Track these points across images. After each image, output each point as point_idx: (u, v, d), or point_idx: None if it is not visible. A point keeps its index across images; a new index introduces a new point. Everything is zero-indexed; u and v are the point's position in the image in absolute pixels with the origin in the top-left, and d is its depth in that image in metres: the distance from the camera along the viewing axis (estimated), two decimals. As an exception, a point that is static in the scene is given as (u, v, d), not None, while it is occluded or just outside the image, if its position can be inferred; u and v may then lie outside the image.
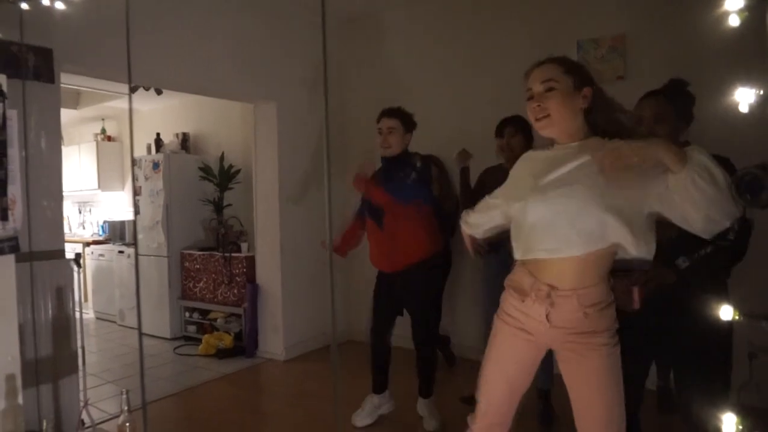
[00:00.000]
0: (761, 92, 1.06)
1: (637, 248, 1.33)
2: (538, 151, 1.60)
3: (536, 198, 1.43)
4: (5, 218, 1.94)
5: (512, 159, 2.68)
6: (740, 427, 1.04)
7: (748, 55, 1.09)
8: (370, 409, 2.88)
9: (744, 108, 1.10)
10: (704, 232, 1.24)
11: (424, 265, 2.72)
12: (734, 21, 1.09)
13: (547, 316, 1.44)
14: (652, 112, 1.84)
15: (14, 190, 1.98)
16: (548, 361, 2.71)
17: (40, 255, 2.50)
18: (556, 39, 3.57)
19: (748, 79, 1.09)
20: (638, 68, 3.26)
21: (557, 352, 1.52)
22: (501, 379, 1.58)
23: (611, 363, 1.43)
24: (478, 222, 1.81)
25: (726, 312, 1.20)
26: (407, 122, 2.76)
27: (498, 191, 1.72)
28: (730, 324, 1.55)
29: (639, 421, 1.98)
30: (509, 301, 1.56)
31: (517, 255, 1.52)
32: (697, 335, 1.73)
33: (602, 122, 1.46)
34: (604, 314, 1.44)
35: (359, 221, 2.92)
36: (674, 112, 1.83)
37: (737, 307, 1.20)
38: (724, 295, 1.79)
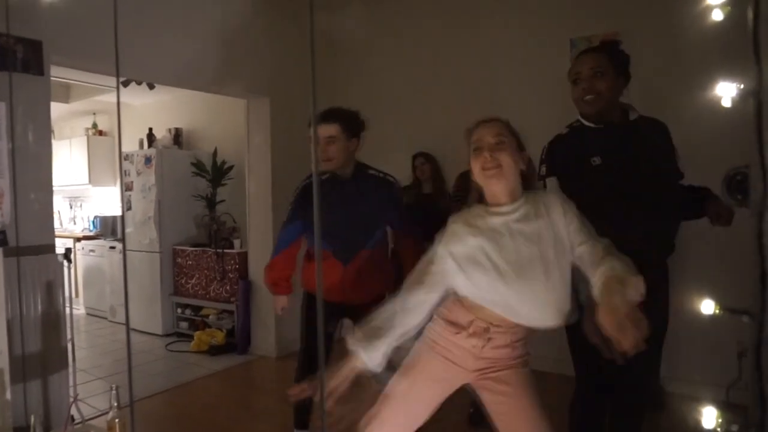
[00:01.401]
0: (742, 86, 1.06)
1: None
2: (477, 216, 1.50)
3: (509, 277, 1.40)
4: (-7, 212, 1.92)
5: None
6: (719, 420, 1.06)
7: (734, 50, 1.09)
8: None
9: (726, 102, 1.11)
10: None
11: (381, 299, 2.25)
12: (718, 16, 1.10)
13: (482, 348, 1.50)
14: (590, 67, 1.81)
15: (2, 184, 1.96)
16: None
17: (29, 250, 2.48)
18: (548, 37, 3.58)
19: (735, 73, 1.10)
20: (631, 66, 3.26)
21: (476, 384, 1.56)
22: (414, 398, 1.55)
23: (526, 376, 1.53)
24: (388, 337, 1.45)
25: (707, 306, 1.21)
26: (352, 126, 2.22)
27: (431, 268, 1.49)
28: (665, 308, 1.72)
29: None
30: (439, 332, 1.56)
31: (465, 294, 1.49)
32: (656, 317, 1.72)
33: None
34: (523, 345, 1.55)
35: (295, 249, 2.43)
36: (613, 68, 1.81)
37: (718, 301, 1.22)
38: (664, 278, 1.85)
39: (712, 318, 1.24)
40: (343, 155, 2.19)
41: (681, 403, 2.51)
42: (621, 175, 1.78)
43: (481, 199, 1.54)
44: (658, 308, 1.58)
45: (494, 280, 1.40)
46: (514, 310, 1.43)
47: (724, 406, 1.06)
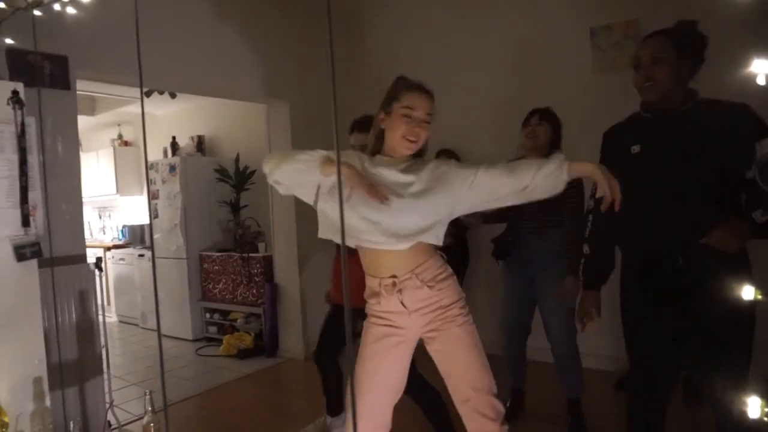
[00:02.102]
0: None
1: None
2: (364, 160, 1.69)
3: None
4: (27, 224, 1.98)
5: (536, 148, 2.65)
6: (766, 409, 1.02)
7: (762, 33, 1.06)
8: (315, 428, 2.80)
9: (761, 80, 1.07)
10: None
11: None
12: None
13: (401, 302, 1.61)
14: (649, 53, 1.75)
15: (35, 197, 2.01)
16: (574, 367, 2.61)
17: (62, 260, 2.54)
18: (569, 26, 3.53)
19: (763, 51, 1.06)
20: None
21: (424, 338, 1.66)
22: (378, 381, 1.65)
23: (468, 331, 1.63)
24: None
25: (747, 291, 1.16)
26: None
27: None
28: (752, 304, 1.45)
29: (665, 412, 1.89)
30: (371, 311, 1.69)
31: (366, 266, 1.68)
32: (716, 314, 1.62)
33: None
34: (447, 285, 1.64)
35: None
36: (676, 53, 1.72)
37: (760, 286, 1.16)
38: (746, 273, 1.68)
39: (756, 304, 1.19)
40: None
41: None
42: (657, 164, 1.72)
43: (376, 150, 1.72)
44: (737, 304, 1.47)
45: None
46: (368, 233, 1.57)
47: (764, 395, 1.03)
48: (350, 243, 1.62)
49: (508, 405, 2.81)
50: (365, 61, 4.53)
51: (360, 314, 2.34)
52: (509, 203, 1.60)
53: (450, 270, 1.68)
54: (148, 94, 4.75)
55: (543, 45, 3.65)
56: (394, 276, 1.61)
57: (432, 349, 1.67)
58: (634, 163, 1.78)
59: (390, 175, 1.61)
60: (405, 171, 1.62)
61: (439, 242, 1.63)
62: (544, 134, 2.67)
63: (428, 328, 1.64)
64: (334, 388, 2.76)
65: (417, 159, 1.70)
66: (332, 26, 0.77)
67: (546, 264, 2.62)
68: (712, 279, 1.57)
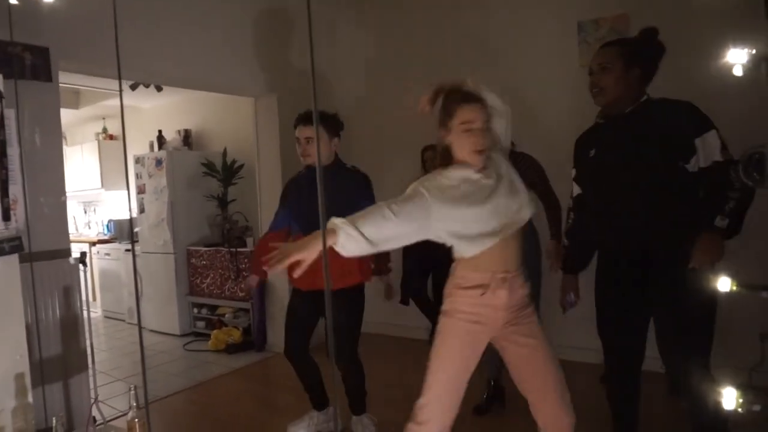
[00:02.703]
0: (754, 51, 1.04)
1: None
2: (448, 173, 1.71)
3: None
4: (7, 218, 1.94)
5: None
6: (740, 400, 1.05)
7: (746, 20, 1.06)
8: (306, 424, 2.75)
9: (738, 71, 1.09)
10: None
11: (358, 288, 2.54)
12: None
13: (507, 297, 1.64)
14: (597, 62, 1.92)
15: (15, 191, 1.98)
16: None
17: (45, 255, 2.51)
18: (556, 20, 3.53)
19: (747, 43, 1.07)
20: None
21: (503, 334, 1.69)
22: (454, 374, 1.68)
23: (537, 325, 1.71)
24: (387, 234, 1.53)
25: (724, 283, 1.19)
26: (330, 127, 2.50)
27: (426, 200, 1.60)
28: (712, 292, 1.59)
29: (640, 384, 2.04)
30: (463, 300, 1.68)
31: (468, 252, 1.65)
32: (676, 298, 1.79)
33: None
34: (527, 285, 1.72)
35: (284, 233, 2.62)
36: (623, 63, 1.86)
37: (735, 279, 1.19)
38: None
39: (729, 296, 1.22)
40: (325, 154, 2.50)
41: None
42: (609, 164, 1.91)
43: (446, 164, 1.71)
44: (699, 290, 1.62)
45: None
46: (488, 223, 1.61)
47: (746, 388, 1.04)
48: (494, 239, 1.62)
49: (485, 397, 2.87)
50: (353, 53, 4.51)
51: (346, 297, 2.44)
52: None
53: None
54: (134, 87, 4.69)
55: (530, 39, 3.66)
56: (507, 271, 1.65)
57: (509, 347, 1.71)
58: (591, 165, 1.99)
59: (474, 174, 1.66)
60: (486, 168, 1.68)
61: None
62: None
63: (508, 328, 1.69)
64: (316, 381, 2.73)
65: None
66: (312, 21, 0.75)
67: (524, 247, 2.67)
68: (671, 264, 1.79)
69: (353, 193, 2.42)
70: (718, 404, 1.09)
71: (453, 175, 1.65)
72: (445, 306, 1.72)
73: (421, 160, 3.76)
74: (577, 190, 2.12)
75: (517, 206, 1.66)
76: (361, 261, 2.47)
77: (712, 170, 1.75)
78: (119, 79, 0.96)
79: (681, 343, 1.82)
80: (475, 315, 1.66)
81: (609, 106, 1.92)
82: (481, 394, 2.87)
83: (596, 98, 1.94)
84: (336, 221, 1.47)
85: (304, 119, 2.49)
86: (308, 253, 1.44)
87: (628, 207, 1.87)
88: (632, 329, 1.96)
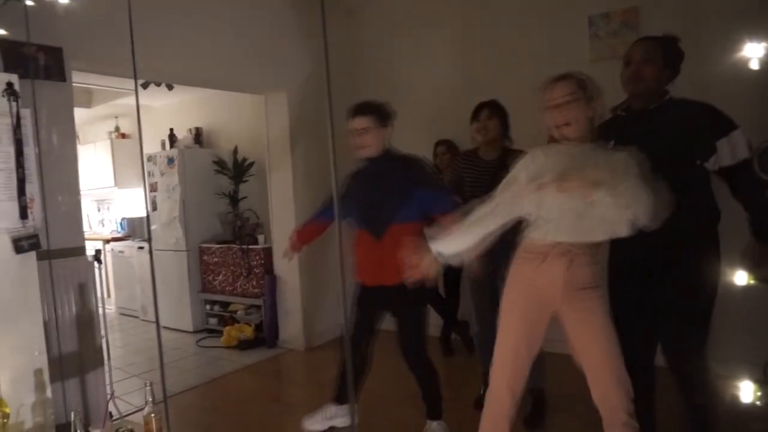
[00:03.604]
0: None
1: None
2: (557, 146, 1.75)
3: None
4: (25, 216, 1.97)
5: (487, 142, 2.71)
6: (758, 393, 1.05)
7: (762, 12, 1.06)
8: (321, 417, 2.71)
9: (755, 65, 1.09)
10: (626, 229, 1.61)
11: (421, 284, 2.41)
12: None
13: (565, 272, 1.68)
14: (641, 53, 1.94)
15: (32, 189, 2.01)
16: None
17: (61, 252, 2.54)
18: (566, 15, 3.51)
19: (762, 37, 1.06)
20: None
21: (565, 309, 1.72)
22: (516, 350, 1.77)
23: (607, 309, 1.72)
24: (465, 241, 1.75)
25: (740, 277, 1.19)
26: (382, 116, 2.45)
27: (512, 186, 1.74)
28: (715, 281, 1.79)
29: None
30: (524, 268, 1.76)
31: (544, 237, 1.71)
32: (683, 288, 1.84)
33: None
34: (600, 270, 1.75)
35: (324, 222, 2.66)
36: (663, 58, 1.92)
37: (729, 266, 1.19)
38: (715, 252, 1.87)
39: (745, 290, 1.22)
40: (377, 143, 2.44)
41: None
42: None
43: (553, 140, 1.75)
44: (702, 280, 1.72)
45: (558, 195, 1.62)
46: (571, 223, 1.65)
47: (762, 382, 1.04)
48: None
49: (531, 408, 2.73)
50: (362, 50, 4.51)
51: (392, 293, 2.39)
52: None
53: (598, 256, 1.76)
54: (145, 85, 4.72)
55: (541, 33, 3.63)
56: (571, 244, 1.67)
57: (571, 322, 1.74)
58: None
59: (579, 150, 1.69)
60: (592, 149, 1.69)
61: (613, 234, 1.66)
62: (494, 128, 2.71)
63: (572, 304, 1.71)
64: (353, 375, 2.60)
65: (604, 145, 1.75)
66: (325, 18, 0.76)
67: (500, 254, 2.58)
68: (684, 258, 1.83)
69: (405, 182, 2.40)
70: (717, 396, 1.10)
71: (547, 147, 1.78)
72: (509, 270, 1.81)
73: (433, 153, 3.77)
74: None
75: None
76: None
77: (743, 167, 1.81)
78: (135, 78, 0.98)
79: (685, 335, 1.87)
80: (533, 281, 1.73)
81: (641, 97, 1.95)
82: (527, 405, 2.69)
83: (634, 86, 1.95)
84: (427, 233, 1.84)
85: (358, 110, 2.44)
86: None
87: None
88: (644, 325, 1.98)
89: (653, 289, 1.92)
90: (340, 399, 2.72)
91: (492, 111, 2.74)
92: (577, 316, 1.72)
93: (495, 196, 1.73)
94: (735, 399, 1.03)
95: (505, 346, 1.79)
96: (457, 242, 1.75)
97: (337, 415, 2.73)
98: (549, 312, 1.77)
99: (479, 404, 2.77)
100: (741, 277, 1.15)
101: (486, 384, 2.79)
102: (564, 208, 1.64)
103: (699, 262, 1.78)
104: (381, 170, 2.46)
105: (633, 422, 1.66)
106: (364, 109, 2.45)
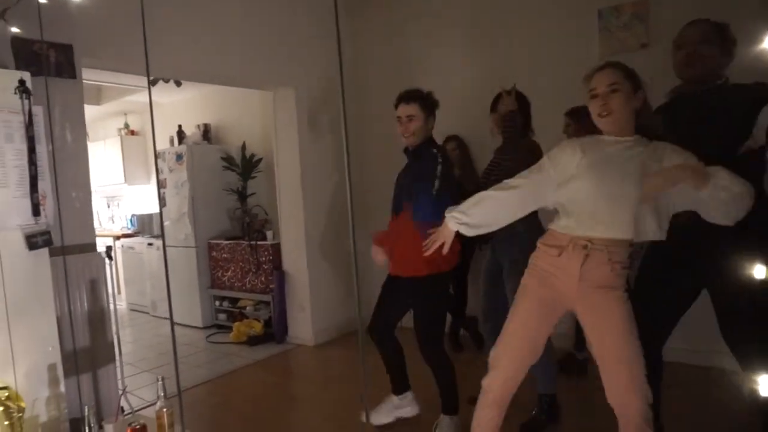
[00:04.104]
0: None
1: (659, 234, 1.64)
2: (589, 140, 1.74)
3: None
4: (38, 213, 1.99)
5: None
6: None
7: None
8: (386, 409, 2.70)
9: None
10: (726, 222, 1.54)
11: (439, 278, 2.46)
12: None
13: (580, 266, 1.65)
14: (698, 33, 1.88)
15: (44, 186, 2.03)
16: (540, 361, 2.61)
17: (73, 249, 2.56)
18: (576, 8, 3.48)
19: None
20: (662, 35, 3.15)
21: (580, 306, 1.71)
22: (523, 331, 1.77)
23: (628, 312, 1.66)
24: (488, 216, 1.78)
25: (759, 271, 1.16)
26: (427, 105, 2.48)
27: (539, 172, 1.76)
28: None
29: (661, 358, 2.06)
30: (543, 258, 1.76)
31: (564, 230, 1.72)
32: (729, 285, 1.75)
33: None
34: (624, 274, 1.68)
35: (394, 219, 2.61)
36: (720, 40, 1.86)
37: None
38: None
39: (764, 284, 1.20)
40: (420, 131, 2.47)
41: (728, 377, 2.44)
42: (678, 138, 1.82)
43: (594, 131, 1.74)
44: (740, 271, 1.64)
45: (589, 186, 1.62)
46: (597, 216, 1.63)
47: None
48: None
49: (534, 413, 2.64)
50: (372, 46, 4.50)
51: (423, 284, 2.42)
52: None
53: (629, 263, 1.71)
54: (154, 82, 4.74)
55: (550, 27, 3.61)
56: (589, 240, 1.65)
57: (588, 319, 1.71)
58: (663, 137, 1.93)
59: (617, 147, 1.66)
60: (631, 146, 1.66)
61: (640, 235, 1.63)
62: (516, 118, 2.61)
63: (589, 301, 1.69)
64: (395, 364, 2.66)
65: (645, 140, 1.70)
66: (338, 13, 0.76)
67: (509, 254, 2.55)
68: (729, 239, 1.72)
69: (419, 175, 2.40)
70: (754, 392, 1.07)
71: (585, 140, 1.76)
72: (530, 259, 1.82)
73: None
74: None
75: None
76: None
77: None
78: (147, 75, 0.98)
79: (746, 316, 1.79)
80: (549, 274, 1.73)
81: (697, 80, 1.90)
82: (531, 411, 2.63)
83: (689, 68, 1.90)
84: (447, 210, 1.84)
85: (406, 98, 2.48)
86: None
87: None
88: (671, 305, 1.97)
89: (693, 276, 1.89)
90: (398, 389, 2.69)
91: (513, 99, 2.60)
92: (593, 317, 1.69)
93: (519, 177, 1.75)
94: (753, 393, 1.01)
95: (512, 330, 1.79)
96: (472, 210, 1.76)
97: (402, 405, 2.71)
98: (562, 307, 1.75)
99: (475, 401, 2.76)
100: (759, 271, 1.13)
101: (540, 407, 2.67)
102: (591, 202, 1.63)
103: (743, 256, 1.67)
104: (411, 161, 2.54)
105: (648, 429, 1.61)
106: (411, 96, 2.48)
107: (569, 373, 3.13)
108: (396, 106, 2.53)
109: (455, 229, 1.79)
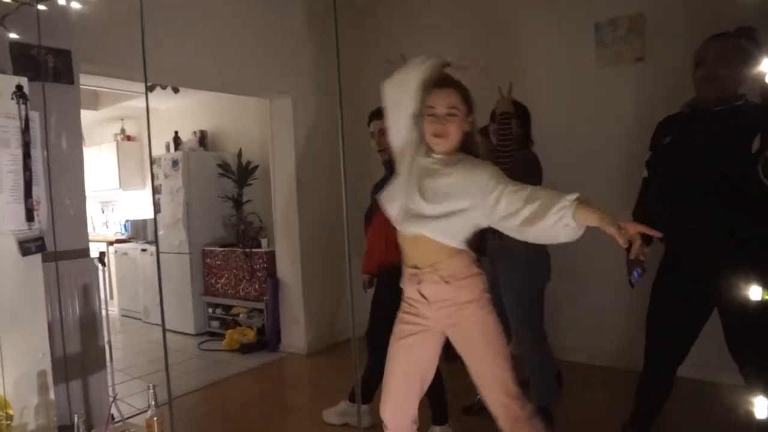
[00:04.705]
0: None
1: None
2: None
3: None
4: (31, 219, 1.98)
5: None
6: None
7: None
8: (336, 412, 2.82)
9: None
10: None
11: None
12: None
13: (420, 292, 1.67)
14: (715, 52, 1.86)
15: (38, 191, 2.02)
16: (537, 371, 2.54)
17: (66, 254, 2.55)
18: (572, 21, 3.51)
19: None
20: (658, 49, 3.18)
21: (446, 331, 1.71)
22: (408, 370, 1.71)
23: (481, 331, 1.65)
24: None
25: (755, 292, 1.17)
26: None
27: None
28: None
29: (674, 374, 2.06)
30: (405, 298, 1.76)
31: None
32: (739, 303, 1.69)
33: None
34: (466, 284, 1.65)
35: None
36: (738, 56, 1.81)
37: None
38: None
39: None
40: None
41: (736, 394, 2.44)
42: (682, 156, 1.88)
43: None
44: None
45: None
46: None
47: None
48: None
49: None
50: (369, 56, 4.52)
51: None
52: (508, 234, 1.55)
53: (475, 269, 1.68)
54: (151, 88, 4.74)
55: (547, 38, 3.64)
56: (415, 266, 1.68)
57: (454, 342, 1.71)
58: (664, 153, 1.97)
59: (427, 162, 1.68)
60: (442, 162, 1.66)
61: (454, 243, 1.63)
62: (514, 128, 2.57)
63: (448, 322, 1.68)
64: (371, 375, 2.62)
65: (465, 155, 1.69)
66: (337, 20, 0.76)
67: (505, 268, 2.58)
68: (740, 258, 1.70)
69: None
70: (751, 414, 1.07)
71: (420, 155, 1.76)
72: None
73: None
74: (645, 173, 2.12)
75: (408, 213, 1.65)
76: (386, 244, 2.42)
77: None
78: (145, 81, 0.98)
79: (754, 336, 1.77)
80: (413, 308, 1.72)
81: (715, 99, 1.86)
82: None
83: (707, 88, 1.87)
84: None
85: (379, 113, 2.47)
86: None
87: (694, 200, 1.85)
88: (686, 323, 1.96)
89: (706, 291, 1.87)
90: (365, 398, 2.70)
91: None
92: (457, 336, 1.69)
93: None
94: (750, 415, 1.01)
95: (390, 381, 1.74)
96: None
97: (350, 413, 2.78)
98: (430, 335, 1.72)
99: (468, 410, 2.78)
100: (755, 292, 1.13)
101: None
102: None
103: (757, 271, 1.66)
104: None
105: (520, 424, 1.62)
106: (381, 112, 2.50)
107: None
108: (369, 123, 2.54)
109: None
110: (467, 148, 1.70)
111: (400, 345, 1.73)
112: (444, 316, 1.67)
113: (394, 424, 1.73)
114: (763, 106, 1.80)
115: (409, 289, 1.73)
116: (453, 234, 1.63)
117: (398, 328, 1.76)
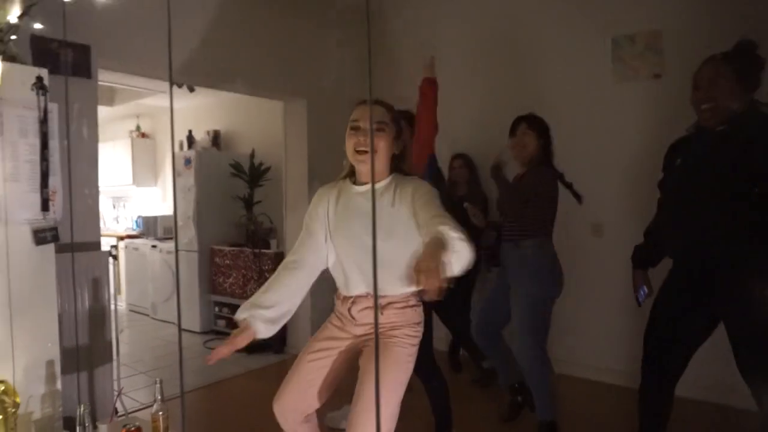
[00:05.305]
0: None
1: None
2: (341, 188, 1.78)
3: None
4: (46, 209, 2.00)
5: (524, 160, 2.63)
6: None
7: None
8: (341, 416, 2.81)
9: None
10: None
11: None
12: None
13: (349, 310, 1.72)
14: (708, 75, 1.88)
15: (55, 182, 2.04)
16: (537, 386, 2.55)
17: (78, 246, 2.57)
18: (589, 36, 3.51)
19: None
20: (677, 66, 3.16)
21: (359, 350, 1.72)
22: (310, 376, 1.79)
23: (395, 357, 1.60)
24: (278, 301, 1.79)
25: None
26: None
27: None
28: None
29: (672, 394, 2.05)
30: (335, 304, 1.84)
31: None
32: (756, 308, 1.73)
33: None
34: (394, 313, 1.65)
35: None
36: (733, 76, 1.83)
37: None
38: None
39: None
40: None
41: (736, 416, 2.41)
42: (692, 177, 1.90)
43: (352, 174, 1.73)
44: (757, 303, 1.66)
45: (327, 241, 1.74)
46: (345, 274, 1.72)
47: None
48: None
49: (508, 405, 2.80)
50: (383, 61, 4.54)
51: None
52: None
53: (413, 301, 1.68)
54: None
55: (564, 54, 3.63)
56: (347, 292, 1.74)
57: (362, 359, 1.69)
58: (675, 174, 2.00)
59: (366, 205, 1.63)
60: (384, 197, 1.62)
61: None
62: (532, 144, 2.60)
63: (362, 340, 1.73)
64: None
65: (399, 177, 1.67)
66: (370, 26, 0.77)
67: (517, 275, 2.57)
68: (744, 273, 1.74)
69: None
70: None
71: (346, 193, 1.82)
72: None
73: (449, 167, 3.75)
74: (659, 194, 2.15)
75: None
76: None
77: None
78: (170, 80, 0.99)
79: (759, 349, 1.77)
80: (337, 318, 1.81)
81: (713, 120, 1.88)
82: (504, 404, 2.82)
83: (703, 111, 1.89)
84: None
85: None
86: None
87: (702, 221, 1.86)
88: (686, 340, 1.96)
89: (709, 308, 1.88)
90: None
91: (530, 125, 2.62)
92: (363, 356, 1.72)
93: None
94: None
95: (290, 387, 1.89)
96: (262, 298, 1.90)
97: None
98: (341, 347, 1.80)
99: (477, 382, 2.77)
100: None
101: (513, 398, 2.80)
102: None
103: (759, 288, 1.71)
104: None
105: None
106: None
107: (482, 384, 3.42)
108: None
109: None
110: (398, 170, 1.69)
111: (316, 353, 1.78)
112: (363, 333, 1.72)
113: (284, 418, 1.84)
114: None
115: (339, 305, 1.80)
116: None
117: (318, 340, 1.81)
